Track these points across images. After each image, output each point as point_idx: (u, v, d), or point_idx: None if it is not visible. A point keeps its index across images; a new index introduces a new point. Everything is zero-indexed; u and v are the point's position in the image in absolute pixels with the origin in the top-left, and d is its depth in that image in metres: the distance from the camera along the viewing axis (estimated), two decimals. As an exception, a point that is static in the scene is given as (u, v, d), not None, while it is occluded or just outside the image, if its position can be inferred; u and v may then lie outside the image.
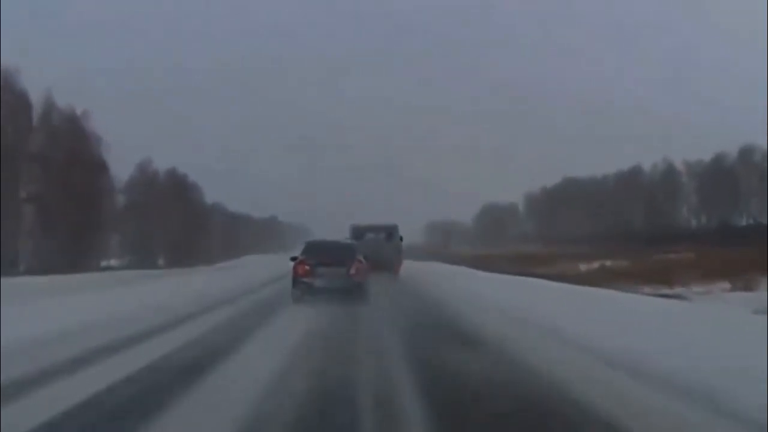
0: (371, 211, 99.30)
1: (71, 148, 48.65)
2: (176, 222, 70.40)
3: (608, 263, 43.97)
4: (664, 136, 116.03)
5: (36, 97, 47.08)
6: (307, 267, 18.88)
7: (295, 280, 18.97)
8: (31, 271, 43.60)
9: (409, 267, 36.51)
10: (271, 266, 44.45)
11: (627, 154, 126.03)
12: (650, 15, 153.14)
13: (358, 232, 30.74)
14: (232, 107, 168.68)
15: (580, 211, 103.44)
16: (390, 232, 31.24)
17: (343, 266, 18.88)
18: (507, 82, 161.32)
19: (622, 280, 28.76)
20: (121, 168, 57.84)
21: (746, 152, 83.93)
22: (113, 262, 65.23)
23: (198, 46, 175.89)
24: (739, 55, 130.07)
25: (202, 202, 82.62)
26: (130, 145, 78.19)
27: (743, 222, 78.93)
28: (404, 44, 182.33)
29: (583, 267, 43.69)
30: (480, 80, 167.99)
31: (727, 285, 26.06)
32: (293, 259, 19.78)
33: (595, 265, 44.25)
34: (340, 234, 31.37)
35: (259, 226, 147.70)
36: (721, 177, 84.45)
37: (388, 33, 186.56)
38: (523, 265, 48.07)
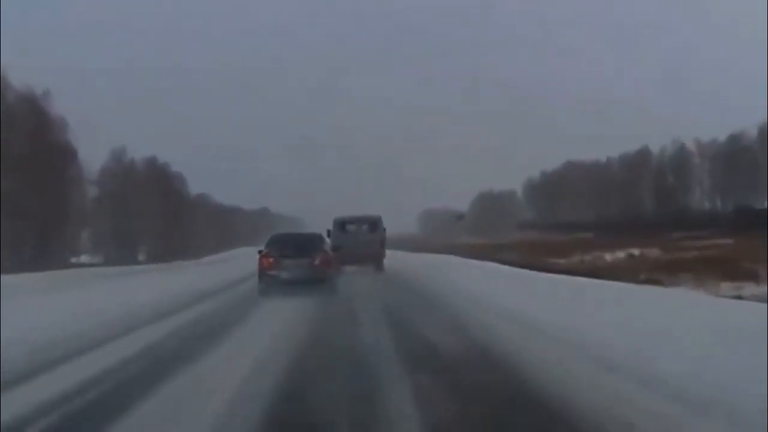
0: (365, 202, 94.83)
1: (31, 132, 43.43)
2: (157, 214, 65.43)
3: (635, 252, 39.05)
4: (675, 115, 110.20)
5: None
6: (271, 259, 18.88)
7: (261, 273, 18.94)
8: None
9: (399, 260, 34.28)
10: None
11: (634, 134, 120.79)
12: (651, 14, 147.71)
13: (340, 225, 29.95)
14: (230, 105, 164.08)
15: (584, 197, 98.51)
16: (373, 224, 30.11)
17: (308, 257, 18.81)
18: (506, 80, 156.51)
19: (681, 273, 23.74)
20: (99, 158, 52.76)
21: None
22: (85, 258, 60.15)
23: (198, 45, 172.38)
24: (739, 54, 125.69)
25: (186, 193, 77.40)
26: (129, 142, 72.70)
27: (764, 204, 73.76)
28: (404, 44, 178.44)
29: (608, 257, 38.69)
30: (478, 78, 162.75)
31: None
32: (260, 252, 19.45)
33: (620, 254, 39.33)
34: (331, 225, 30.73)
35: (251, 218, 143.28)
36: (737, 157, 79.46)
37: (387, 32, 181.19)
38: (533, 255, 43.13)
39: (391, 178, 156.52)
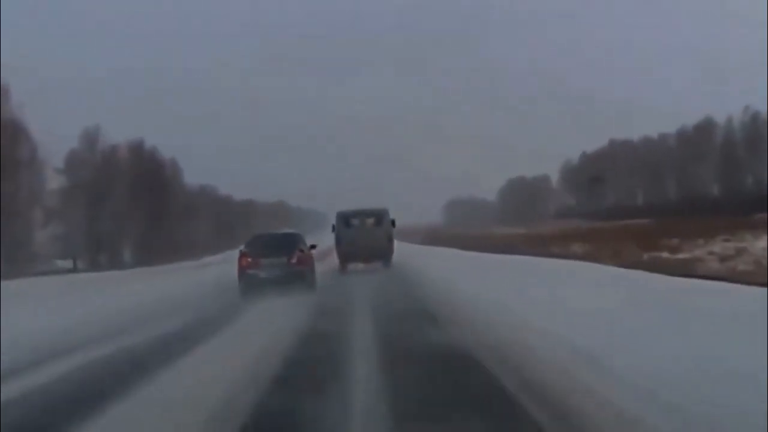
0: (388, 194, 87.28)
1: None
2: (146, 208, 55.77)
3: (741, 244, 28.40)
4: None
5: None
6: (249, 259, 19.55)
7: (240, 273, 19.49)
8: None
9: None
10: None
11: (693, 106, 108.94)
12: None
13: (344, 219, 28.28)
14: (249, 99, 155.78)
15: (633, 178, 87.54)
16: (379, 217, 28.47)
17: (284, 256, 19.50)
18: (533, 61, 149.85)
19: None
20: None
21: None
22: (62, 263, 50.64)
23: (205, 39, 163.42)
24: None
25: (181, 183, 67.40)
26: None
27: None
28: (423, 33, 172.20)
29: (715, 249, 28.06)
30: (503, 63, 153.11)
31: None
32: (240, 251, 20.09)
33: (729, 246, 28.60)
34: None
35: (266, 211, 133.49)
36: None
37: (407, 20, 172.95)
38: (618, 249, 32.63)
39: (415, 169, 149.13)
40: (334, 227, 27.95)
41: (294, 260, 19.55)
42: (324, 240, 30.90)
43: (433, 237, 73.74)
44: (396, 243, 31.38)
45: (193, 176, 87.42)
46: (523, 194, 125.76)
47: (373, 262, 27.46)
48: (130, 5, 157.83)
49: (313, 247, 21.69)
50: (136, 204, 53.83)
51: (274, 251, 19.65)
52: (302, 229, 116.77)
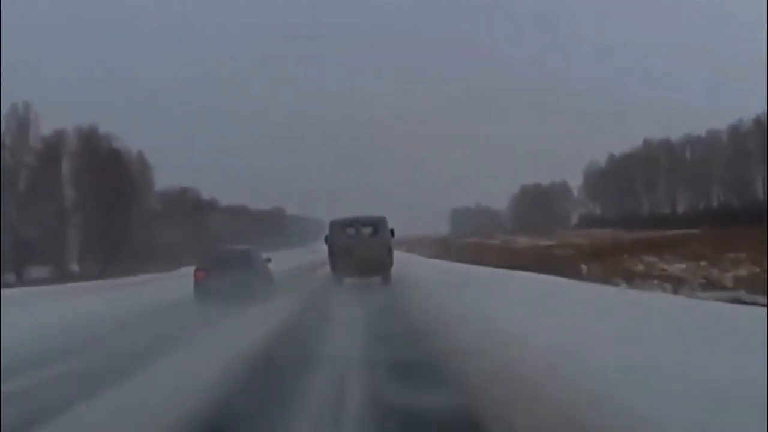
0: (391, 202, 79.04)
1: None
2: (101, 209, 45.53)
3: None
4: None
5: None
6: (204, 272, 20.30)
7: (195, 284, 20.25)
8: None
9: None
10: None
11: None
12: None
13: (338, 228, 25.87)
14: (244, 101, 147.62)
15: (672, 183, 77.07)
16: (377, 226, 25.84)
17: (239, 271, 19.94)
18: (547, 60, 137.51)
19: None
20: None
21: None
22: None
23: (201, 38, 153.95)
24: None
25: (150, 180, 56.87)
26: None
27: None
28: (428, 38, 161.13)
29: None
30: (512, 64, 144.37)
31: None
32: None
33: None
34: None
35: (259, 219, 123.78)
36: None
37: (415, 26, 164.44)
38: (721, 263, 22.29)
39: (419, 177, 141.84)
40: (326, 237, 25.92)
41: (248, 276, 20.18)
42: (323, 250, 28.03)
43: (445, 248, 63.31)
44: (404, 256, 29.20)
45: (185, 181, 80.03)
46: (538, 202, 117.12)
47: (370, 277, 25.23)
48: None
49: (268, 260, 23.30)
50: (85, 204, 43.55)
51: (229, 266, 20.18)
52: (299, 239, 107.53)
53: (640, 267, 26.09)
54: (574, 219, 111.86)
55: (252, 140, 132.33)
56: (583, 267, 31.33)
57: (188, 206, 74.92)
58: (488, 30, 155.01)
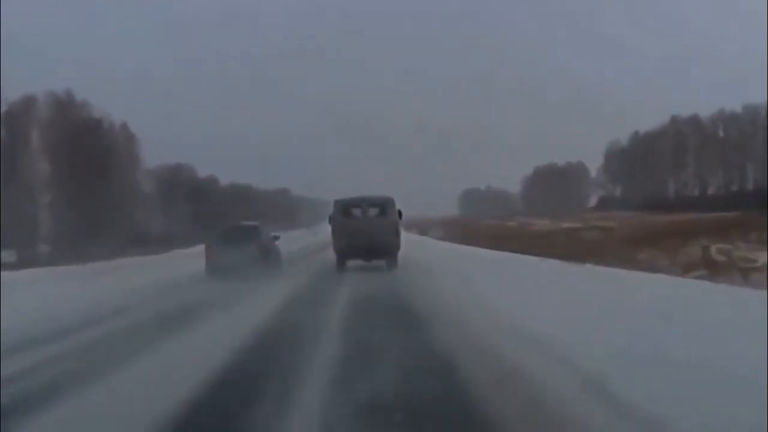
0: (398, 184, 75.40)
1: None
2: (78, 185, 40.50)
3: None
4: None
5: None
6: (214, 248, 21.35)
7: (207, 261, 21.29)
8: None
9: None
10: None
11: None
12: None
13: (342, 209, 24.84)
14: (248, 90, 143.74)
15: (701, 163, 71.58)
16: (384, 206, 24.64)
17: (246, 246, 20.85)
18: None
19: None
20: None
21: None
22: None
23: (215, 24, 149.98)
24: None
25: (136, 156, 51.61)
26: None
27: None
28: (445, 25, 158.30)
29: None
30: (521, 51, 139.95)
31: None
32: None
33: None
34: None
35: (266, 199, 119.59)
36: None
37: (431, 11, 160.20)
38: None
39: (428, 159, 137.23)
40: (330, 218, 25.02)
41: (254, 249, 20.93)
42: (330, 231, 26.00)
43: (461, 231, 57.99)
44: (418, 240, 28.87)
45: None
46: (553, 183, 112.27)
47: (376, 260, 24.06)
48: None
49: (276, 238, 24.29)
50: (59, 180, 38.48)
51: (236, 241, 21.01)
52: (306, 220, 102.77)
53: (720, 256, 20.81)
54: (592, 201, 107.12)
55: (259, 120, 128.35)
56: (638, 255, 26.28)
57: (183, 184, 70.09)
58: (499, 16, 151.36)
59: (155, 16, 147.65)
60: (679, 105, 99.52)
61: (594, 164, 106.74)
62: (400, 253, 23.74)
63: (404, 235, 39.17)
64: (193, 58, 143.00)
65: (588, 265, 20.03)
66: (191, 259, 39.38)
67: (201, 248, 53.90)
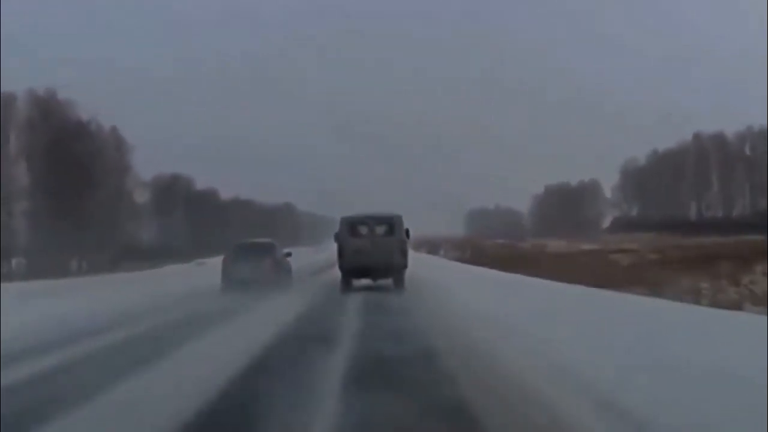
0: (405, 202, 72.19)
1: None
2: (58, 192, 36.97)
3: None
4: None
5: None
6: (230, 262, 22.30)
7: (223, 274, 22.20)
8: None
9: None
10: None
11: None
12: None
13: (349, 226, 23.87)
14: (250, 97, 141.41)
15: (726, 183, 67.82)
16: (391, 225, 23.74)
17: (260, 261, 22.24)
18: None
19: None
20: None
21: None
22: None
23: (213, 26, 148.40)
24: None
25: (126, 163, 47.94)
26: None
27: None
28: (450, 34, 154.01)
29: None
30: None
31: None
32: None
33: None
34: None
35: (267, 214, 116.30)
36: None
37: (438, 20, 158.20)
38: None
39: (434, 177, 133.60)
40: (336, 236, 23.90)
41: (266, 264, 22.22)
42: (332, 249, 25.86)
43: (473, 251, 54.26)
44: (428, 260, 29.67)
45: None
46: (565, 203, 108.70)
47: (382, 279, 23.15)
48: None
49: (288, 254, 25.50)
50: (38, 186, 34.88)
51: (251, 257, 22.16)
52: (311, 237, 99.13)
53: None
54: (606, 222, 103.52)
55: (259, 120, 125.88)
56: (684, 281, 22.56)
57: (180, 196, 66.35)
58: (509, 27, 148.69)
59: (155, 16, 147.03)
60: (679, 105, 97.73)
61: (608, 182, 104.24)
62: (417, 278, 22.08)
63: (415, 255, 34.20)
64: (193, 58, 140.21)
65: (646, 297, 16.28)
66: (185, 275, 36.08)
67: (197, 264, 51.09)
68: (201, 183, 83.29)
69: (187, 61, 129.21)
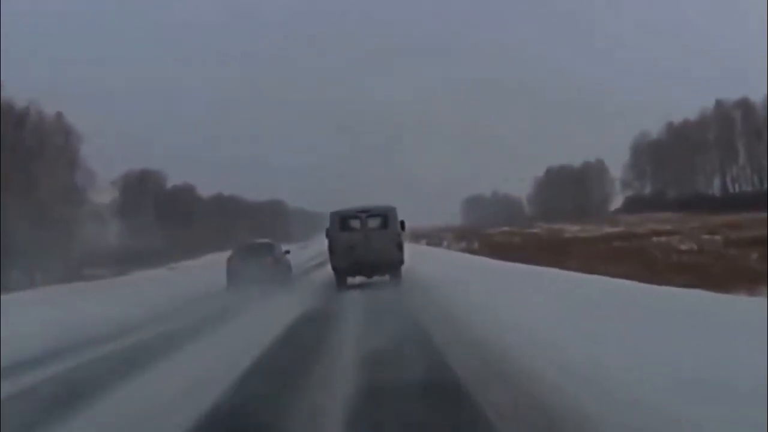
0: (398, 192, 68.06)
1: None
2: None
3: None
4: None
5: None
6: (234, 261, 24.29)
7: (228, 273, 23.98)
8: None
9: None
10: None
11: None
12: None
13: (340, 221, 23.29)
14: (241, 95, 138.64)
15: (754, 153, 61.65)
16: (385, 217, 23.17)
17: (262, 259, 24.18)
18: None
19: None
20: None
21: None
22: None
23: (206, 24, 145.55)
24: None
25: (75, 155, 41.10)
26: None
27: None
28: (448, 27, 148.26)
29: None
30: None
31: None
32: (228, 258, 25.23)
33: None
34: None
35: (257, 211, 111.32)
36: None
37: (438, 14, 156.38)
38: None
39: (427, 165, 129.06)
40: (327, 231, 23.29)
41: (268, 262, 24.00)
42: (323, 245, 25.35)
43: (479, 242, 47.83)
44: (432, 253, 30.36)
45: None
46: (567, 185, 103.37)
47: (378, 275, 22.43)
48: None
49: (287, 252, 27.13)
50: None
51: (254, 255, 24.20)
52: (302, 235, 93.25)
53: None
54: (617, 202, 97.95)
55: (252, 128, 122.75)
56: None
57: (149, 194, 59.73)
58: (500, 16, 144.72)
59: (156, 16, 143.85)
60: (679, 105, 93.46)
61: (614, 162, 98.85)
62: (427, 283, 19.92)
63: (417, 248, 33.08)
64: (193, 58, 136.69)
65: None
66: (154, 284, 29.99)
67: (168, 269, 44.99)
68: (201, 185, 79.42)
69: (187, 61, 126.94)
